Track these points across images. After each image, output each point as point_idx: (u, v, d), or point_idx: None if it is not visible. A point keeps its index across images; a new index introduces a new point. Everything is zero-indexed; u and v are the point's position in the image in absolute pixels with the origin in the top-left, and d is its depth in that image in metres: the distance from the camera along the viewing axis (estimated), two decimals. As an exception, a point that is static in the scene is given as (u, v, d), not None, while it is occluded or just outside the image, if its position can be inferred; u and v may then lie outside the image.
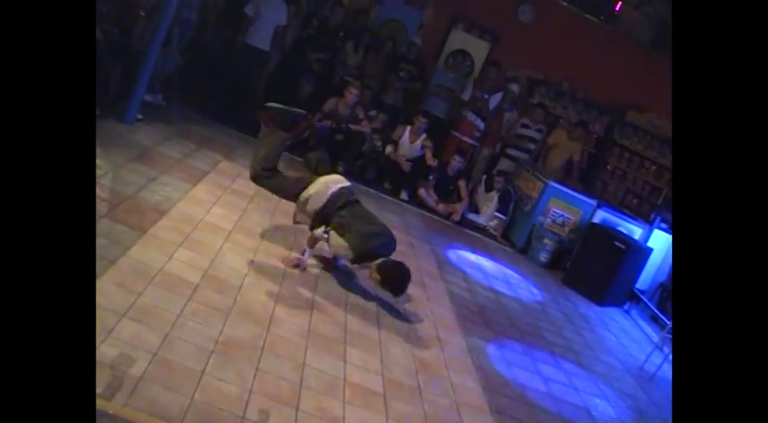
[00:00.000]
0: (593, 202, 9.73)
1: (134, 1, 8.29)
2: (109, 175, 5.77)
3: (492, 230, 10.11)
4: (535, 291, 8.19)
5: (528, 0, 12.13)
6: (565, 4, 12.03)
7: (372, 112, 10.42)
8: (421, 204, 9.89)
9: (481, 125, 11.16)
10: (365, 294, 5.76)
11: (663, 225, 9.56)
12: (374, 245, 5.59)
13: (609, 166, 11.95)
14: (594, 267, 8.76)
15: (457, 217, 9.85)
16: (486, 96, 11.09)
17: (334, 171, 6.21)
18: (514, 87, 11.48)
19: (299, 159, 9.19)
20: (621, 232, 9.34)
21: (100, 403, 3.10)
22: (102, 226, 4.80)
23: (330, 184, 5.75)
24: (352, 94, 9.81)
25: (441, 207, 9.93)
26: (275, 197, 6.19)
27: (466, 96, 11.23)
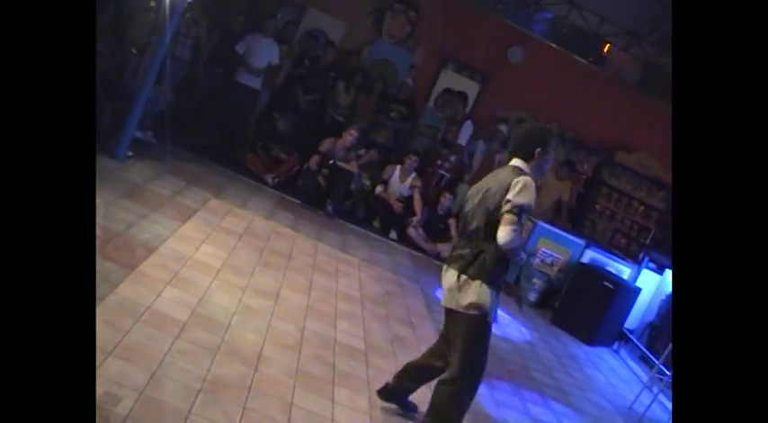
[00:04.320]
0: (582, 242, 9.78)
1: (127, 38, 8.35)
2: (99, 211, 5.76)
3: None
4: (524, 330, 8.17)
5: (517, 42, 12.26)
6: (554, 45, 12.18)
7: (362, 151, 10.46)
8: (410, 243, 9.89)
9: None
10: (354, 334, 5.74)
11: (651, 265, 9.60)
12: None
13: (598, 206, 12.00)
14: (583, 307, 8.77)
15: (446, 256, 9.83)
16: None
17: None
18: (504, 128, 11.55)
19: (291, 199, 9.32)
20: (610, 272, 9.36)
21: (85, 443, 3.06)
22: (90, 263, 4.78)
23: None
24: (351, 135, 9.87)
25: (429, 246, 9.93)
26: (265, 236, 6.15)
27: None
